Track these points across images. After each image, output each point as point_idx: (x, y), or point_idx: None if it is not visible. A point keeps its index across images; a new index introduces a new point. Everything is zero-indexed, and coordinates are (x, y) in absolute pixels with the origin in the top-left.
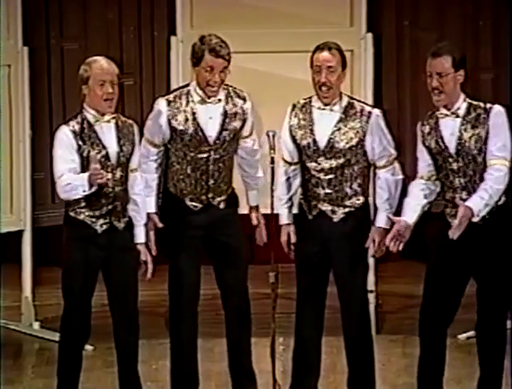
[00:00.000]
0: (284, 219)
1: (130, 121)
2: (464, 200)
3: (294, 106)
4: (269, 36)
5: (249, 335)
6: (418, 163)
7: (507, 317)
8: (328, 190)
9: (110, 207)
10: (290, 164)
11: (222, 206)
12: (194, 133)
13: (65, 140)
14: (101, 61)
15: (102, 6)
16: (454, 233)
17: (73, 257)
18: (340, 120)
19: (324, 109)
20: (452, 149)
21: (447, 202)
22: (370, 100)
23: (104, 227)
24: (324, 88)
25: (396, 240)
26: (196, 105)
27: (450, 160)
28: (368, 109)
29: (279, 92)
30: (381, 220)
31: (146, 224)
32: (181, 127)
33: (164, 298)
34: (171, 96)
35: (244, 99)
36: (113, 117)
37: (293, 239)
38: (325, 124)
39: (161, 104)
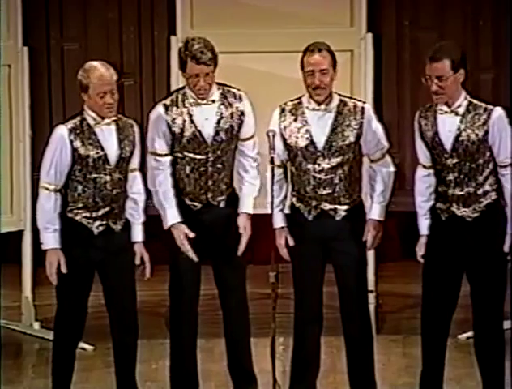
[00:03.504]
0: (280, 222)
1: (131, 122)
2: (458, 196)
3: (283, 109)
4: (269, 36)
5: (248, 335)
6: (417, 152)
7: (504, 317)
8: (329, 190)
9: (107, 209)
10: (279, 166)
11: (222, 205)
12: (191, 135)
13: (58, 144)
14: (101, 70)
15: (102, 6)
16: None
17: (68, 258)
18: (336, 119)
19: (318, 110)
20: (448, 145)
21: (439, 195)
22: (370, 100)
23: (101, 229)
24: (318, 90)
25: None
26: (192, 107)
27: (445, 155)
28: (360, 104)
29: (279, 92)
30: (375, 213)
31: (144, 223)
32: (180, 130)
33: (164, 298)
34: (168, 101)
35: (240, 98)
36: (114, 120)
37: (291, 242)
38: (321, 124)
39: (159, 110)
